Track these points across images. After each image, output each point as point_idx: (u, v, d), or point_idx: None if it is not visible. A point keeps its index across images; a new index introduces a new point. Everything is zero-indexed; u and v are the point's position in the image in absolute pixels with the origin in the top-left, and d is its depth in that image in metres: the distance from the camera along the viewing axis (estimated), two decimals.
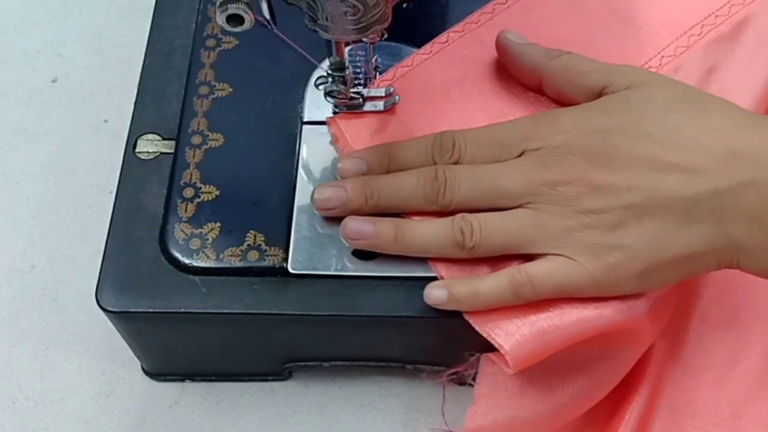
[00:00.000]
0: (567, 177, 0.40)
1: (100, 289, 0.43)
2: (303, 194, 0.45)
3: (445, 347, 0.44)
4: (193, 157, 0.46)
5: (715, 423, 0.47)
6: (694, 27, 0.49)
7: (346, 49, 0.44)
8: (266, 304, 0.43)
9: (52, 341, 0.52)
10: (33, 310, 0.53)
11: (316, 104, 0.47)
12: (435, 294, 0.41)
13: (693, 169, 0.38)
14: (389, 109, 0.46)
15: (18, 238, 0.55)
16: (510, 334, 0.40)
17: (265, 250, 0.44)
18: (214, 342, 0.47)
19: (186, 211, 0.45)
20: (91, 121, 0.59)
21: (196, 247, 0.44)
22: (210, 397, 0.50)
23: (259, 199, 0.45)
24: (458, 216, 0.41)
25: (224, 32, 0.50)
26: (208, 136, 0.47)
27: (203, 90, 0.48)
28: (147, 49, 0.50)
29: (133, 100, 0.49)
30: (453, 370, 0.44)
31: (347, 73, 0.45)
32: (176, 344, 0.47)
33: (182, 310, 0.43)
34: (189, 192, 0.45)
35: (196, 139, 0.47)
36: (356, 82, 0.46)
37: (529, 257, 0.41)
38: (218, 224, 0.44)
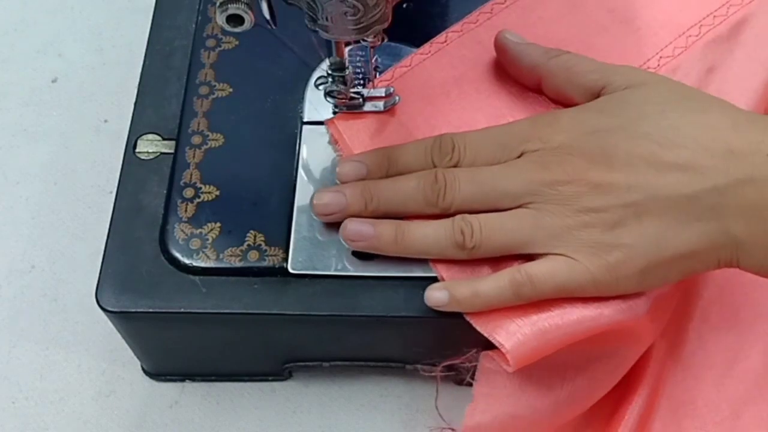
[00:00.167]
0: (567, 177, 0.40)
1: (100, 289, 0.43)
2: (303, 194, 0.45)
3: (445, 347, 0.44)
4: (193, 157, 0.46)
5: (715, 423, 0.47)
6: (692, 27, 0.49)
7: (346, 49, 0.44)
8: (266, 304, 0.43)
9: (52, 341, 0.52)
10: (33, 310, 0.53)
11: (316, 104, 0.47)
12: (436, 296, 0.41)
13: (692, 167, 0.38)
14: (388, 110, 0.46)
15: (18, 238, 0.55)
16: (511, 334, 0.40)
17: (265, 250, 0.44)
18: (214, 342, 0.47)
19: (186, 211, 0.45)
20: (91, 121, 0.59)
21: (196, 247, 0.44)
22: (210, 397, 0.50)
23: (259, 199, 0.45)
24: (458, 217, 0.41)
25: (224, 32, 0.50)
26: (208, 136, 0.47)
27: (203, 90, 0.48)
28: (147, 49, 0.50)
29: (133, 100, 0.49)
30: (448, 362, 0.43)
31: (347, 73, 0.45)
32: (176, 344, 0.47)
33: (182, 310, 0.43)
34: (189, 192, 0.45)
35: (196, 139, 0.47)
36: (356, 82, 0.46)
37: (530, 257, 0.41)
38: (218, 224, 0.44)
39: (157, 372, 0.50)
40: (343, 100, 0.46)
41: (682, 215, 0.39)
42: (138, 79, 0.49)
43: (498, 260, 0.42)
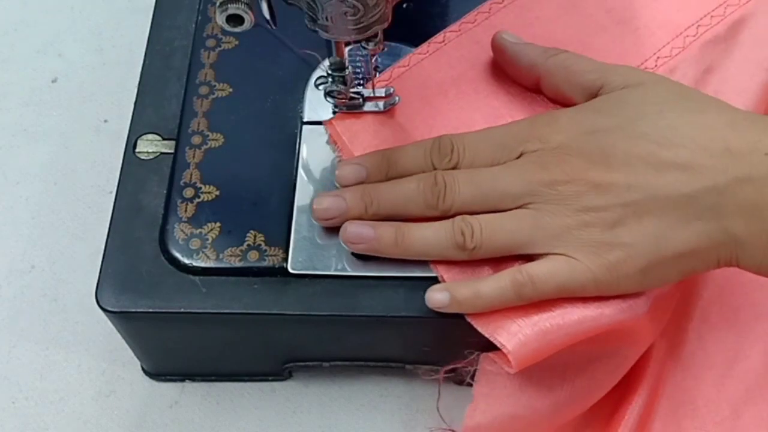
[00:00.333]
0: (566, 176, 0.40)
1: (100, 289, 0.43)
2: (303, 194, 0.45)
3: (445, 347, 0.44)
4: (193, 157, 0.46)
5: (715, 423, 0.47)
6: (689, 28, 0.49)
7: (346, 49, 0.44)
8: (266, 304, 0.43)
9: (52, 341, 0.52)
10: (33, 310, 0.53)
11: (316, 104, 0.47)
12: (437, 297, 0.41)
13: (690, 166, 0.39)
14: (386, 110, 0.46)
15: (18, 238, 0.55)
16: (513, 334, 0.40)
17: (265, 250, 0.44)
18: (214, 342, 0.47)
19: (186, 211, 0.45)
20: (91, 121, 0.59)
21: (196, 247, 0.44)
22: (210, 397, 0.50)
23: (259, 199, 0.45)
24: (458, 218, 0.41)
25: (224, 32, 0.50)
26: (208, 136, 0.47)
27: (203, 90, 0.48)
28: (147, 49, 0.50)
29: (133, 100, 0.49)
30: (450, 367, 0.44)
31: (347, 73, 0.45)
32: (176, 344, 0.47)
33: (182, 310, 0.43)
34: (189, 192, 0.45)
35: (196, 139, 0.47)
36: (356, 82, 0.46)
37: (530, 258, 0.41)
38: (218, 224, 0.44)
39: (157, 372, 0.50)
40: (343, 100, 0.46)
41: (681, 214, 0.39)
42: (138, 79, 0.49)
43: (498, 261, 0.42)
